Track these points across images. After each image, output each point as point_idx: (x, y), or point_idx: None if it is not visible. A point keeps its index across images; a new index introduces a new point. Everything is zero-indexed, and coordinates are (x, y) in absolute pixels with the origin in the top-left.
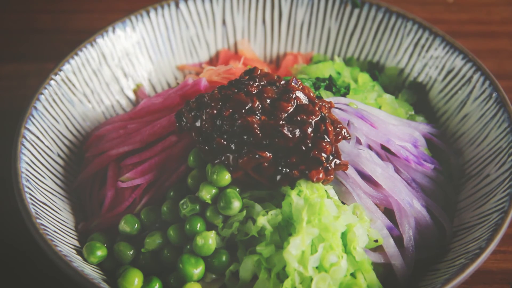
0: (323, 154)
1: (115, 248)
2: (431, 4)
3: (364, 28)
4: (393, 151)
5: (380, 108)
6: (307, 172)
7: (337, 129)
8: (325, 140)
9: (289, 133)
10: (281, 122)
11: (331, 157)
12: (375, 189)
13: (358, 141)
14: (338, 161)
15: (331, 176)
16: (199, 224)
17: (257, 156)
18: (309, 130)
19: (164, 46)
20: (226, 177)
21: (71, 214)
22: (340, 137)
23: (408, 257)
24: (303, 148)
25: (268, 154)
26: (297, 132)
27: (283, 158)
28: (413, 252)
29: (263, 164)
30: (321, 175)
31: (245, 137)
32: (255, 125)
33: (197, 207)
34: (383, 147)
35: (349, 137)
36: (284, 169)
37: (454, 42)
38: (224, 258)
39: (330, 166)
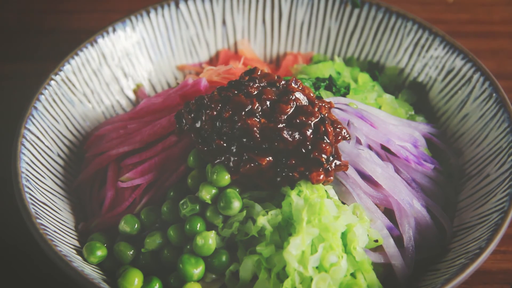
0: (323, 155)
1: (115, 248)
2: (431, 4)
3: (364, 28)
4: (393, 151)
5: (380, 108)
6: (307, 173)
7: (337, 130)
8: (325, 141)
9: (288, 137)
10: (280, 125)
11: (331, 158)
12: (375, 189)
13: (358, 141)
14: (338, 162)
15: (331, 177)
16: (199, 224)
17: (257, 163)
18: (309, 132)
19: (164, 46)
20: (226, 177)
21: (71, 214)
22: (340, 137)
23: (408, 257)
24: (303, 150)
25: (268, 159)
26: (297, 135)
27: (283, 160)
28: (413, 252)
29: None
30: (321, 177)
31: (245, 140)
32: (255, 128)
33: (197, 207)
34: (383, 147)
35: (349, 138)
36: (283, 171)
37: (454, 42)
38: (224, 258)
39: (330, 167)
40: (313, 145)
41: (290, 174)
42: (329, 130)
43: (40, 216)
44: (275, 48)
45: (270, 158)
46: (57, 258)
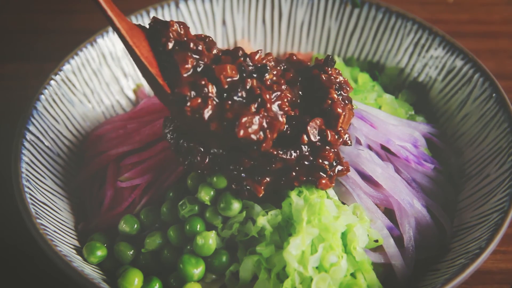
0: (326, 162)
1: (115, 248)
2: (431, 4)
3: (364, 28)
4: (393, 151)
5: (380, 108)
6: (310, 178)
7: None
8: (328, 148)
9: (286, 156)
10: (275, 153)
11: (334, 164)
12: (375, 189)
13: (358, 142)
14: (340, 167)
15: (333, 183)
16: (198, 225)
17: (256, 186)
18: (305, 148)
19: None
20: (224, 180)
21: (71, 214)
22: (341, 140)
23: (408, 257)
24: (306, 162)
25: (266, 180)
26: (294, 153)
27: (283, 175)
28: (413, 252)
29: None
30: (324, 181)
31: (233, 166)
32: (246, 160)
33: (196, 208)
34: (383, 147)
35: (350, 144)
36: (283, 182)
37: (454, 42)
38: (224, 258)
39: (333, 173)
40: (314, 153)
41: (290, 184)
42: (333, 139)
43: (40, 216)
44: (275, 48)
45: (268, 179)
46: (57, 258)
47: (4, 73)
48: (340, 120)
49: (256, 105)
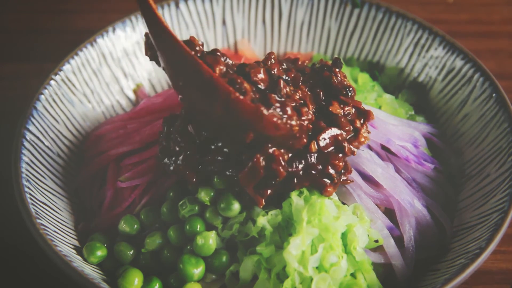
0: (332, 171)
1: (115, 248)
2: (431, 4)
3: (364, 28)
4: (393, 151)
5: (380, 108)
6: (313, 184)
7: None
8: (339, 156)
9: (292, 168)
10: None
11: (341, 172)
12: (375, 189)
13: None
14: (345, 178)
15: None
16: (199, 225)
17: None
18: (312, 159)
19: None
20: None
21: (71, 214)
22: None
23: (409, 257)
24: (313, 172)
25: (269, 192)
26: (301, 166)
27: (286, 184)
28: (413, 252)
29: None
30: (330, 189)
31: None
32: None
33: (196, 208)
34: (383, 147)
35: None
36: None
37: (454, 42)
38: (224, 258)
39: (338, 181)
40: (323, 160)
41: (292, 189)
42: (348, 151)
43: (40, 216)
44: (275, 48)
45: (270, 191)
46: (57, 258)
47: (4, 73)
48: (362, 139)
49: (305, 110)
